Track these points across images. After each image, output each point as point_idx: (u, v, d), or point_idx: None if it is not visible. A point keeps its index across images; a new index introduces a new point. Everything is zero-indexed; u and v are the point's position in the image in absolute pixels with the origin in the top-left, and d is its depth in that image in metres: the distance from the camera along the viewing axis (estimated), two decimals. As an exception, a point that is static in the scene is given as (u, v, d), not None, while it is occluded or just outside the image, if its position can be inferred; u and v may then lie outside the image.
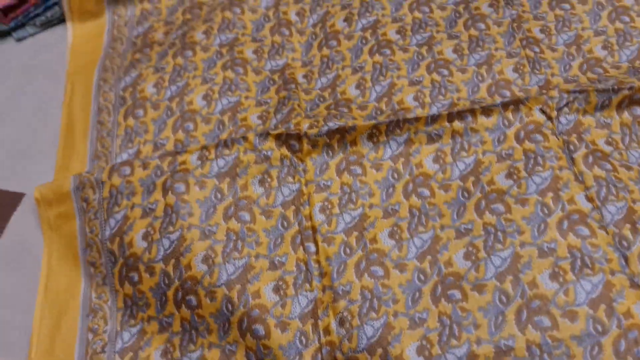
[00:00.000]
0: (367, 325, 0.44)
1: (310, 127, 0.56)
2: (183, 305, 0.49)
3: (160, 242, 0.51)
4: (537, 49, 0.60)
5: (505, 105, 0.55)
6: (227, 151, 0.56)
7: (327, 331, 0.46)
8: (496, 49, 0.61)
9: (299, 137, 0.55)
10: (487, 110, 0.55)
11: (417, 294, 0.46)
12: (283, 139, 0.55)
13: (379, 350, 0.43)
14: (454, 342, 0.42)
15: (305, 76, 0.64)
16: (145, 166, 0.56)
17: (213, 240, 0.50)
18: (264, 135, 0.56)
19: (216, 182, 0.54)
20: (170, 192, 0.53)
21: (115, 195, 0.55)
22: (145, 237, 0.52)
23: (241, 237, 0.51)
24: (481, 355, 0.41)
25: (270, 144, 0.55)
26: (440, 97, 0.58)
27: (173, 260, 0.50)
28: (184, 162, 0.56)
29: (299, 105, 0.59)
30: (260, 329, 0.46)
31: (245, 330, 0.46)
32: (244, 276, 0.49)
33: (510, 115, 0.55)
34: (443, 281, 0.46)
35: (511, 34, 0.62)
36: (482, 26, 0.63)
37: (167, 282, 0.50)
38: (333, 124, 0.55)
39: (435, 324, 0.44)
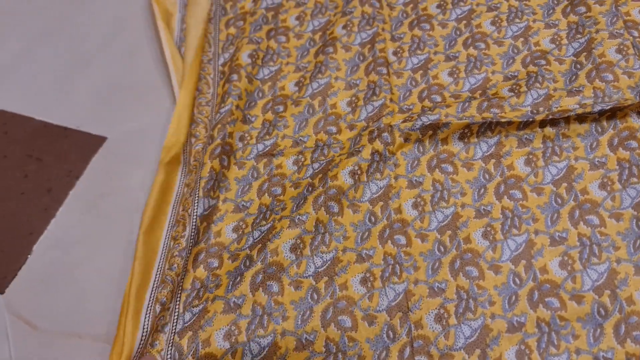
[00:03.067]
0: (465, 325, 0.45)
1: (404, 121, 0.55)
2: (260, 289, 0.48)
3: (251, 234, 0.52)
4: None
5: (602, 113, 0.54)
6: (322, 157, 0.56)
7: (419, 325, 0.46)
8: (597, 31, 0.59)
9: (391, 130, 0.55)
10: (580, 117, 0.55)
11: (514, 297, 0.47)
12: (375, 134, 0.55)
13: (477, 351, 0.44)
14: (552, 350, 0.44)
15: (395, 53, 0.63)
16: (240, 165, 0.56)
17: (302, 229, 0.50)
18: (358, 137, 0.56)
19: (310, 180, 0.54)
20: (266, 194, 0.55)
21: (213, 181, 0.56)
22: (236, 229, 0.53)
23: (329, 230, 0.51)
24: None
25: (363, 141, 0.55)
26: (537, 84, 0.57)
27: (259, 245, 0.50)
28: (280, 166, 0.56)
29: (391, 100, 0.58)
30: (347, 320, 0.46)
31: (330, 321, 0.46)
32: (332, 269, 0.49)
33: (604, 121, 0.55)
34: (539, 287, 0.47)
35: (614, 14, 0.60)
36: (583, 9, 0.62)
37: (248, 264, 0.49)
38: (426, 119, 0.54)
39: (534, 329, 0.45)
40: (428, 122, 0.54)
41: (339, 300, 0.47)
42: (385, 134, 0.55)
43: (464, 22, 0.64)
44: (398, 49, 0.64)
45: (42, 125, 0.64)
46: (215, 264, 0.51)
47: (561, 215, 0.51)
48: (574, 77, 0.57)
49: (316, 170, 0.55)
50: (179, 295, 0.49)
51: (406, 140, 0.55)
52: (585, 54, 0.58)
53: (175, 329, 0.47)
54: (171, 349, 0.45)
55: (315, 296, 0.47)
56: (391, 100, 0.59)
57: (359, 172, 0.54)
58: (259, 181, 0.56)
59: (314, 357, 0.45)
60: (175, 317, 0.47)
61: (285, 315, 0.46)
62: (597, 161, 0.53)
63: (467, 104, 0.56)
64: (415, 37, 0.64)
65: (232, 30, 0.69)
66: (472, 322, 0.46)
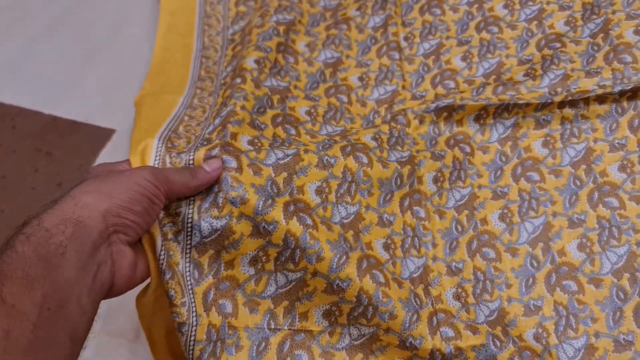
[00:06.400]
0: (483, 305, 0.45)
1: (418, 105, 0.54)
2: (295, 219, 0.42)
3: (271, 151, 0.45)
4: None
5: (622, 93, 0.53)
6: (333, 122, 0.54)
7: (439, 299, 0.45)
8: (613, 12, 0.57)
9: (405, 113, 0.54)
10: (600, 97, 0.53)
11: (531, 280, 0.46)
12: (389, 117, 0.54)
13: (499, 328, 0.44)
14: (571, 333, 0.43)
15: (406, 39, 0.62)
16: (257, 85, 0.52)
17: (330, 173, 0.46)
18: (372, 114, 0.55)
19: (326, 137, 0.51)
20: (280, 127, 0.50)
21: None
22: (252, 143, 0.46)
23: (356, 180, 0.47)
24: (600, 348, 0.42)
25: (377, 122, 0.54)
26: (553, 66, 0.55)
27: (285, 174, 0.44)
28: (293, 109, 0.53)
29: (403, 87, 0.57)
30: (379, 275, 0.43)
31: (365, 272, 0.42)
32: (356, 225, 0.45)
33: (624, 102, 0.53)
34: (557, 270, 0.46)
35: None
36: None
37: (275, 190, 0.43)
38: (441, 102, 0.53)
39: (551, 312, 0.44)
40: (443, 105, 0.53)
41: (369, 257, 0.44)
42: (399, 117, 0.54)
43: (476, 5, 0.63)
44: (409, 35, 0.62)
45: (51, 119, 0.64)
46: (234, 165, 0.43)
47: (580, 197, 0.50)
48: (592, 58, 0.56)
49: (331, 133, 0.53)
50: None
51: (421, 122, 0.54)
52: (602, 35, 0.57)
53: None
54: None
55: (348, 244, 0.44)
56: (403, 87, 0.58)
57: (380, 139, 0.51)
58: (272, 111, 0.51)
59: (342, 304, 0.42)
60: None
61: (320, 256, 0.41)
62: (617, 143, 0.52)
63: (481, 89, 0.55)
64: (426, 23, 0.63)
65: (243, 8, 0.68)
66: (490, 303, 0.45)
